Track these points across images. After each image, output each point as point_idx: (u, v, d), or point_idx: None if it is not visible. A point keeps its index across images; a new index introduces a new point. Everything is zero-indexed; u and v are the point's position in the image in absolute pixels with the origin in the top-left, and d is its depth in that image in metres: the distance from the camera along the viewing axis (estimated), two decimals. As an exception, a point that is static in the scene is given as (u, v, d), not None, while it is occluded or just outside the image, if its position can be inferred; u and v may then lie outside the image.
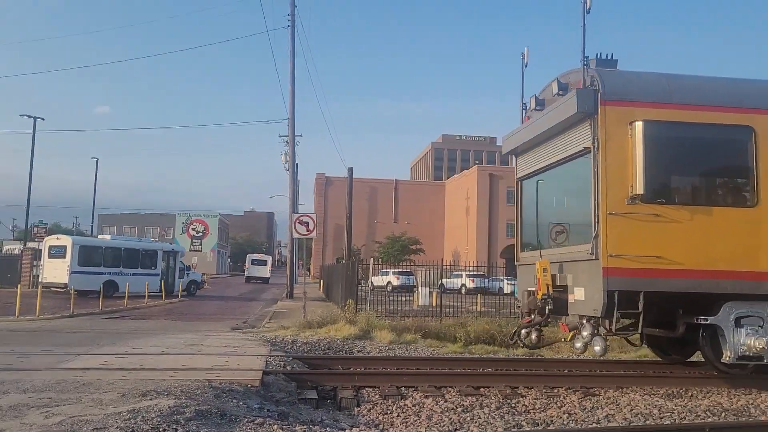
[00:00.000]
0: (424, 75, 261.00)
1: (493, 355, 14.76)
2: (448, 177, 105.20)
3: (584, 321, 9.33)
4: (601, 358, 11.04)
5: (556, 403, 8.98)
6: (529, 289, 10.53)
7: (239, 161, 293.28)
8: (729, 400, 9.57)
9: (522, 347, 12.05)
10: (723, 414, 8.55)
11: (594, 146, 9.18)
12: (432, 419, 7.88)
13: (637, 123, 9.01)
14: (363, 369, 10.94)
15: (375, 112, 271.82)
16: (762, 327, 9.11)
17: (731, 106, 9.49)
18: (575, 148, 9.73)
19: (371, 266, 32.30)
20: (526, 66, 11.66)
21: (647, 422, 8.04)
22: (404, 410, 8.32)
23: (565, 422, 7.98)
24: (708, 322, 9.18)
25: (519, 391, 9.71)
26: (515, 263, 12.21)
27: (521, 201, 12.23)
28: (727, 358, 9.12)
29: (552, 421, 8.04)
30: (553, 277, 9.98)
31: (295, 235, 21.27)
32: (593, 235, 9.04)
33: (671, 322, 9.74)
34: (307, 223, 20.03)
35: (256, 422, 6.53)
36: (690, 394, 10.01)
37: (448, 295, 30.00)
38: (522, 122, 11.78)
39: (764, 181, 9.33)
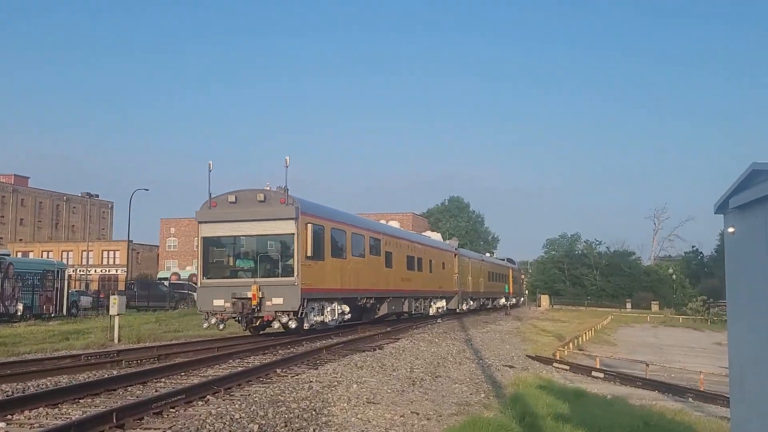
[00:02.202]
0: None
1: None
2: None
3: (281, 313, 18.67)
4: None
5: None
6: (240, 297, 18.60)
7: None
8: None
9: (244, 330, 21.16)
10: None
11: (296, 233, 19.23)
12: None
13: (309, 224, 19.57)
14: None
15: None
16: (318, 311, 20.27)
17: (325, 218, 21.47)
18: (285, 231, 19.45)
19: None
20: (211, 171, 20.34)
21: None
22: None
23: None
24: (296, 309, 18.75)
25: None
26: (198, 285, 20.76)
27: (205, 248, 20.59)
28: (306, 326, 19.73)
29: None
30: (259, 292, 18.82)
31: None
32: (296, 273, 18.98)
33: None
34: None
35: None
36: None
37: None
38: (209, 206, 20.06)
39: (347, 249, 22.91)
